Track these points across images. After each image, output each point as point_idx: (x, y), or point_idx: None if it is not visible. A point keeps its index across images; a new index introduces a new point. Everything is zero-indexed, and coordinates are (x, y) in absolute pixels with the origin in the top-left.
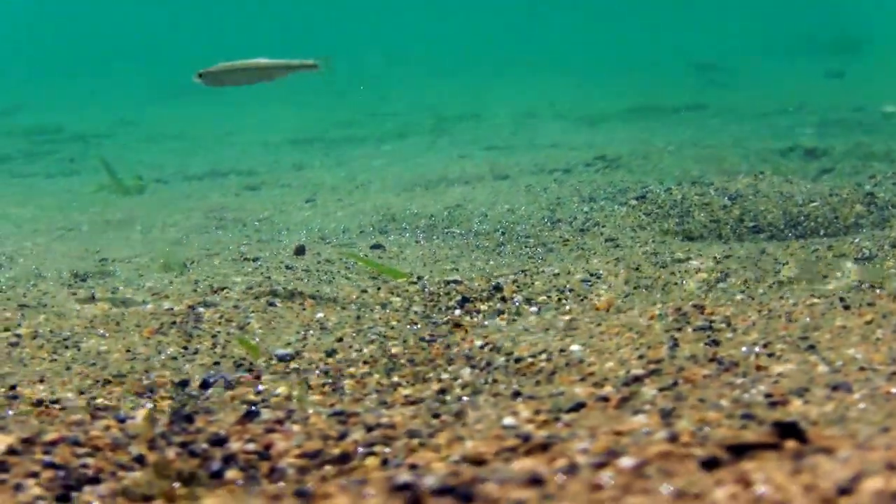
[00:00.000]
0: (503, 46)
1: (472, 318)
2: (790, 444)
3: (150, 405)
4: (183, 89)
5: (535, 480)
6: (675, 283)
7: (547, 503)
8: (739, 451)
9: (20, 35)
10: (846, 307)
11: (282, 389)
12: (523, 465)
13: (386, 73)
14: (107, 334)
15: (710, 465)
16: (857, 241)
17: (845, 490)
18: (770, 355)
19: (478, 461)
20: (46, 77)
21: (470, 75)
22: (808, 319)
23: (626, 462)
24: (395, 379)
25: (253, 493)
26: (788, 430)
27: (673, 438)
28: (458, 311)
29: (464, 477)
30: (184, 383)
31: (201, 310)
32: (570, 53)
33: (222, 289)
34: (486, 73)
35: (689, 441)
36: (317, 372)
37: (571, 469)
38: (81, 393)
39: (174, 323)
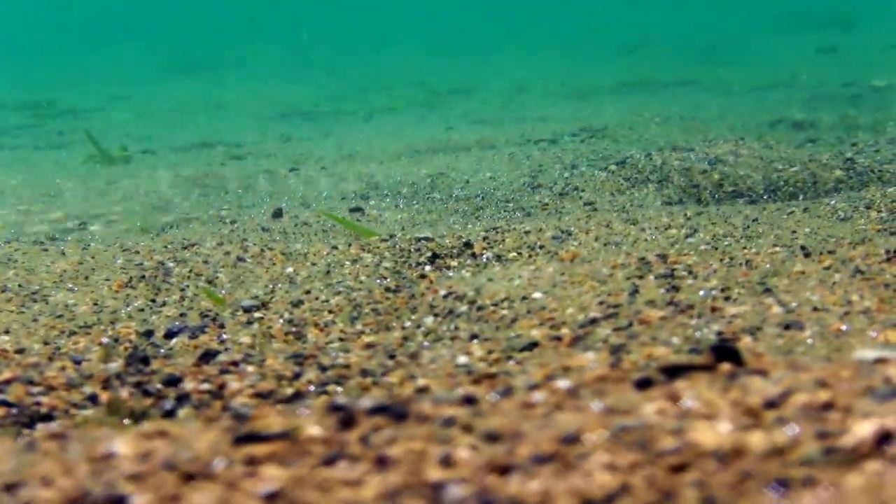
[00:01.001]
0: (496, 23)
1: (441, 273)
2: (725, 366)
3: (106, 341)
4: (176, 65)
5: (469, 400)
6: (645, 240)
7: (477, 419)
8: (673, 372)
9: (16, 11)
10: (807, 255)
11: (245, 339)
12: (462, 389)
13: (378, 48)
14: (76, 288)
15: (643, 385)
16: (833, 202)
17: (772, 404)
18: (727, 298)
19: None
20: (39, 53)
21: (462, 52)
22: (767, 266)
23: (561, 384)
24: (359, 327)
25: (193, 417)
26: (725, 353)
27: (614, 366)
28: (428, 268)
29: (400, 398)
30: (148, 333)
31: (171, 265)
32: (562, 30)
33: (193, 245)
34: (478, 49)
35: (628, 368)
36: (280, 321)
37: (507, 392)
38: (46, 343)
39: (143, 277)
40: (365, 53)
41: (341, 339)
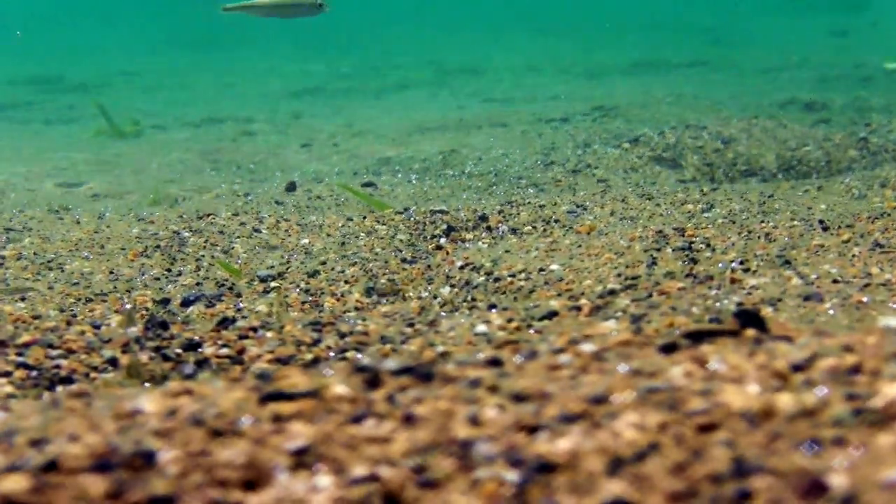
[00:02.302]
0: (506, 2)
1: (457, 245)
2: (750, 332)
3: (128, 306)
4: (185, 41)
5: (494, 362)
6: (661, 215)
7: (503, 380)
8: (699, 337)
9: None
10: (825, 228)
11: (262, 307)
12: (485, 353)
13: (387, 27)
14: (91, 257)
15: (668, 349)
16: (847, 181)
17: (799, 367)
18: (746, 270)
19: None
20: (48, 27)
21: (473, 31)
22: (786, 239)
23: (585, 348)
24: (375, 297)
25: (217, 378)
26: (749, 319)
27: (637, 332)
28: (443, 240)
29: (424, 360)
30: (165, 301)
31: (186, 234)
32: (574, 10)
33: (208, 215)
34: (489, 29)
35: (651, 334)
36: (297, 290)
37: (531, 355)
38: (62, 311)
39: (158, 247)
40: (374, 32)
41: (358, 309)
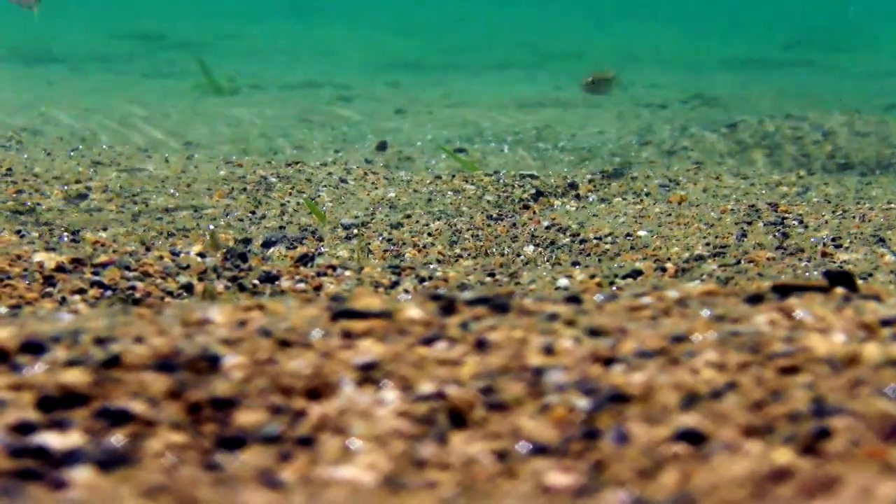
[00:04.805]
0: None
1: (544, 208)
2: (839, 290)
3: (211, 227)
4: (286, 7)
5: (573, 299)
6: (755, 195)
7: (581, 316)
8: (786, 291)
9: None
10: None
11: (343, 252)
12: (564, 293)
13: (491, 8)
14: (177, 194)
15: (753, 300)
16: None
17: (888, 322)
18: (838, 246)
19: None
20: None
21: (576, 17)
22: (882, 220)
23: (669, 294)
24: (458, 251)
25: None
26: (840, 278)
27: (723, 286)
28: (531, 204)
29: (501, 292)
30: (246, 241)
31: (273, 180)
32: (679, 2)
33: (296, 163)
34: (592, 16)
35: (736, 289)
36: (380, 239)
37: (612, 296)
38: (143, 243)
39: (245, 189)
40: (477, 12)
41: (440, 261)
